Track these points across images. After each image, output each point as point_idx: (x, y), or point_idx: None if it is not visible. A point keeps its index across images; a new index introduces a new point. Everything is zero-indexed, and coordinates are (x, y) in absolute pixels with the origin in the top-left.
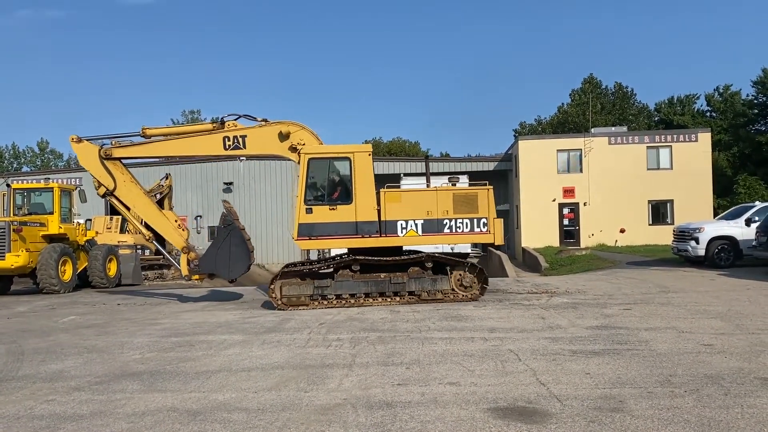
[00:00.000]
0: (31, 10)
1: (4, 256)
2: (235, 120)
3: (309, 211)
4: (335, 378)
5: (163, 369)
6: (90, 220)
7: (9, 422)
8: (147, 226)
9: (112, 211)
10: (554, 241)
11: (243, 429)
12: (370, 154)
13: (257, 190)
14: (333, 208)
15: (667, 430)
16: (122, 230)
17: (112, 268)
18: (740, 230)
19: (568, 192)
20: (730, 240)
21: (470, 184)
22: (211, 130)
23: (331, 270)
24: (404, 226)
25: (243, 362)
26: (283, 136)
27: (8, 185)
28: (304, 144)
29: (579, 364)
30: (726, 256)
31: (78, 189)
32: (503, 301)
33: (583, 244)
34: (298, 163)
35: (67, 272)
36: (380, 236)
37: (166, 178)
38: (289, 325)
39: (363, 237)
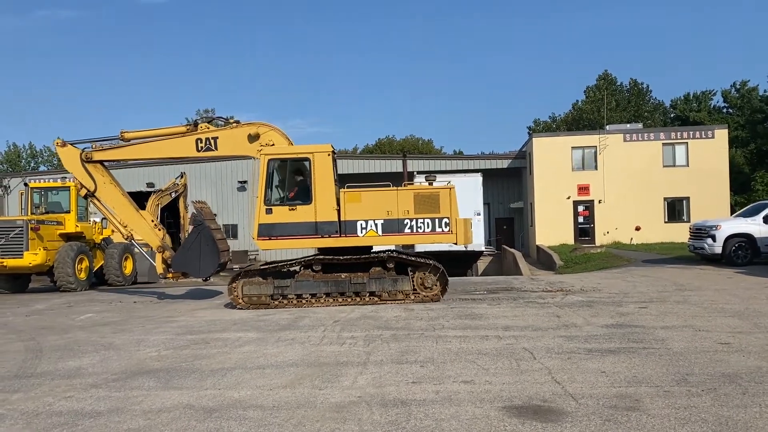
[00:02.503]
0: (48, 10)
1: (22, 255)
2: (207, 122)
3: (269, 211)
4: (350, 376)
5: (179, 366)
6: (106, 218)
7: (28, 418)
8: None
9: None
10: (569, 238)
11: (258, 426)
12: (329, 154)
13: None
14: (292, 209)
15: (684, 430)
16: None
17: (128, 266)
18: (758, 228)
19: (583, 189)
20: (747, 237)
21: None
22: (184, 132)
23: (294, 269)
24: (364, 226)
25: (258, 360)
26: (253, 138)
27: (26, 184)
28: (273, 144)
29: (594, 363)
30: (743, 253)
31: None
32: (518, 300)
33: (598, 242)
34: None
35: (84, 270)
36: (340, 236)
37: (182, 177)
38: (303, 322)
39: (323, 237)
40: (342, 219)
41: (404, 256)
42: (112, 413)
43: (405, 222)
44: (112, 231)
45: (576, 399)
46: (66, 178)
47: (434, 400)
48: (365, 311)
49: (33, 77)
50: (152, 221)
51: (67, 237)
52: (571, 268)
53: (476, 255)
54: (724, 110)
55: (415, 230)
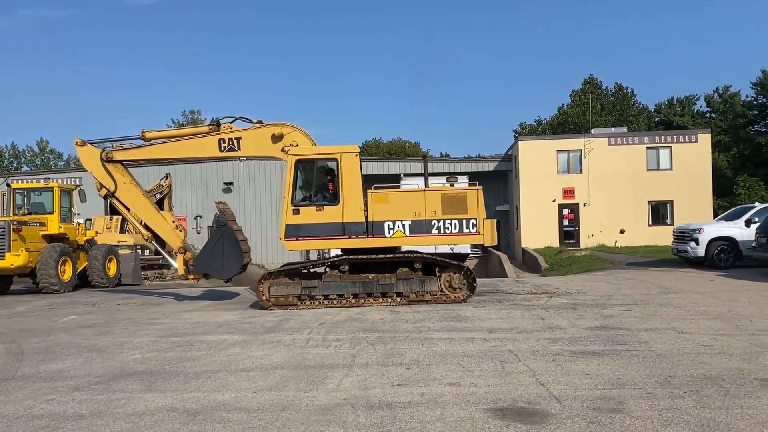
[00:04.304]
0: (33, 9)
1: (3, 256)
2: (230, 122)
3: (296, 212)
4: (335, 378)
5: (163, 369)
6: (90, 219)
7: (9, 422)
8: (146, 227)
9: (112, 210)
10: (554, 241)
11: (242, 429)
12: (357, 155)
13: (257, 190)
14: (320, 209)
15: (666, 431)
16: (122, 230)
17: (112, 268)
18: (740, 231)
19: (568, 192)
20: (730, 241)
21: (459, 185)
22: (207, 132)
23: (321, 270)
24: (392, 226)
25: (243, 362)
26: (277, 138)
27: (8, 185)
28: (297, 145)
29: (579, 365)
30: (726, 256)
31: (78, 189)
32: (503, 302)
33: (582, 245)
34: None
35: (67, 272)
36: (367, 237)
37: (166, 178)
38: (288, 325)
39: (350, 238)
40: (369, 220)
41: (436, 257)
42: (94, 416)
43: (432, 223)
44: (96, 232)
45: (560, 401)
46: (49, 178)
47: (419, 402)
48: (351, 313)
49: (17, 76)
50: (173, 222)
51: (50, 238)
52: (556, 271)
53: (462, 257)
54: (707, 115)
55: (442, 231)
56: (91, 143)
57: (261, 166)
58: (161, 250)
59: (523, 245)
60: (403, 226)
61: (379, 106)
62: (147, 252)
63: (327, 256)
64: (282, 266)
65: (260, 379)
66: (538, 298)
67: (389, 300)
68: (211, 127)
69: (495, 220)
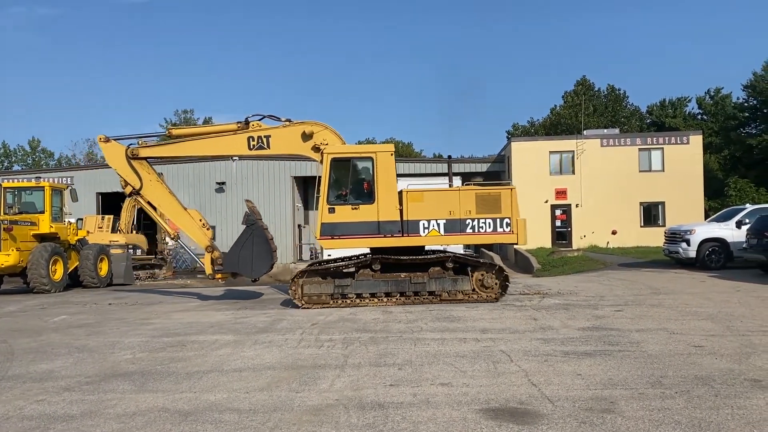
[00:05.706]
0: (24, 7)
1: None
2: (259, 120)
3: (332, 210)
4: (327, 379)
5: (155, 369)
6: (81, 219)
7: None
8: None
9: (104, 210)
10: (546, 242)
11: (234, 429)
12: (392, 154)
13: (250, 190)
14: (355, 208)
15: (657, 431)
16: (114, 230)
17: (104, 268)
18: (731, 232)
19: (561, 193)
20: (720, 242)
21: (492, 185)
22: (235, 130)
23: (353, 269)
24: (426, 225)
25: (235, 362)
26: (307, 136)
27: None
28: (327, 144)
29: (570, 365)
30: (717, 257)
31: (69, 188)
32: (495, 302)
33: (575, 246)
34: (321, 162)
35: (58, 272)
36: (402, 236)
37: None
38: (281, 325)
39: (385, 236)
40: (404, 218)
41: (465, 256)
42: (85, 417)
43: (467, 222)
44: (88, 232)
45: (552, 401)
46: (40, 178)
47: (412, 402)
48: (343, 314)
49: (8, 75)
50: (200, 220)
51: (41, 238)
52: (549, 272)
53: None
54: (699, 116)
55: (476, 230)
56: (115, 140)
57: (254, 166)
58: (188, 250)
59: (515, 246)
60: (438, 225)
61: (374, 106)
62: (139, 252)
63: (320, 256)
64: (309, 265)
65: (252, 379)
66: (531, 299)
67: (420, 299)
68: (239, 124)
69: (526, 219)
